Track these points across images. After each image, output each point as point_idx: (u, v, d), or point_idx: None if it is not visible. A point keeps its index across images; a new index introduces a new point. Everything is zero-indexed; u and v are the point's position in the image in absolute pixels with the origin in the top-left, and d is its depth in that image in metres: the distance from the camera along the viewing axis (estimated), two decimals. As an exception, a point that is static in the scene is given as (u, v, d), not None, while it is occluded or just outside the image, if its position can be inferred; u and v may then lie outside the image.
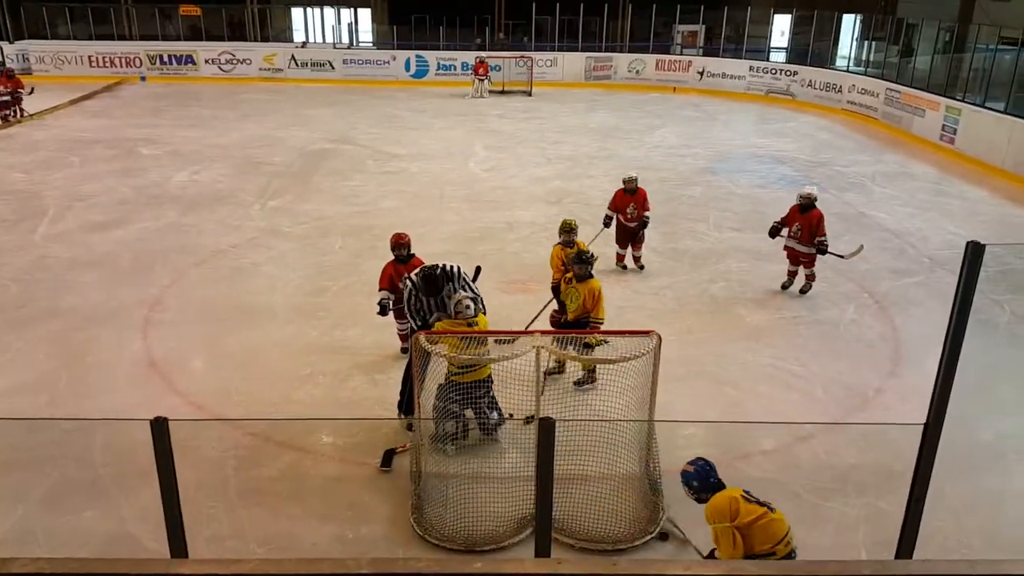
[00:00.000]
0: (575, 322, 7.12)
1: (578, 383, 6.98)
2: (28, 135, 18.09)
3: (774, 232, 9.46)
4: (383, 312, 7.23)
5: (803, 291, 9.45)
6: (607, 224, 10.10)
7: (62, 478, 5.84)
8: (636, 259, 10.18)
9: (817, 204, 9.32)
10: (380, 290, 7.31)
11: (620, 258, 10.22)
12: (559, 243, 7.91)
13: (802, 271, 9.44)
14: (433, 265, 6.39)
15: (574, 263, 7.11)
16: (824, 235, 9.18)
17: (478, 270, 7.01)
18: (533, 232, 11.58)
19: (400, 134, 18.75)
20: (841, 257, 9.50)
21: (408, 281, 6.42)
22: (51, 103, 21.21)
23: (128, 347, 7.96)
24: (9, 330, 8.26)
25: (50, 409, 6.79)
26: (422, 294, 6.35)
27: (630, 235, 10.05)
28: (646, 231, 10.05)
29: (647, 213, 9.98)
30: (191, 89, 25.30)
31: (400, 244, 7.37)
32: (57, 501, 5.60)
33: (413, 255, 7.39)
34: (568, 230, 7.86)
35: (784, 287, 9.55)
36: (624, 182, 10.08)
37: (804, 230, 9.19)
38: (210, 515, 5.46)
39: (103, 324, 8.45)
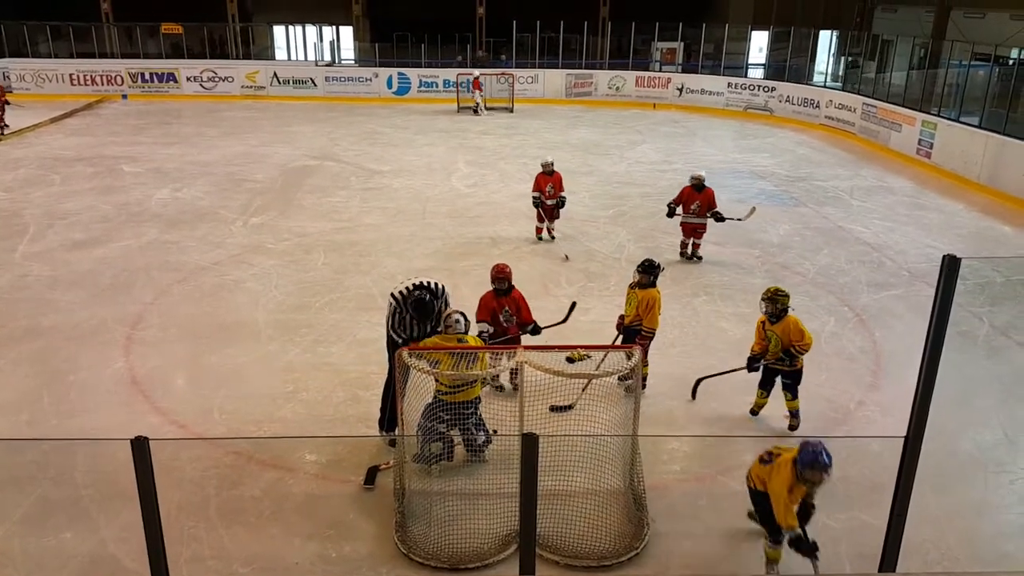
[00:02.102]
0: (629, 328, 7.29)
1: (622, 378, 7.05)
2: (8, 153, 17.96)
3: (671, 213, 11.00)
4: None
5: (699, 257, 11.08)
6: (536, 204, 11.73)
7: (42, 498, 5.77)
8: (550, 231, 11.97)
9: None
10: (478, 322, 7.04)
11: (539, 231, 12.00)
12: (764, 313, 6.79)
13: (692, 241, 11.08)
14: (422, 288, 6.19)
15: (639, 270, 7.27)
16: (716, 206, 10.90)
17: (573, 306, 7.40)
18: (517, 247, 11.61)
19: (382, 150, 18.77)
20: (740, 220, 11.08)
21: (395, 298, 6.31)
22: (32, 121, 21.09)
23: (110, 366, 7.89)
24: (-12, 350, 8.18)
25: (31, 428, 6.72)
26: (408, 315, 6.27)
27: (549, 211, 11.78)
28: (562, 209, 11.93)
29: (563, 193, 11.76)
30: (173, 107, 25.22)
31: (500, 276, 7.08)
32: (37, 522, 5.53)
33: (513, 287, 7.16)
34: (771, 298, 6.66)
35: (684, 256, 11.12)
36: (543, 166, 11.80)
37: (703, 206, 10.87)
38: (191, 535, 5.42)
39: (85, 342, 8.38)
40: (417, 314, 6.17)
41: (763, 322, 6.77)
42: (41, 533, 5.42)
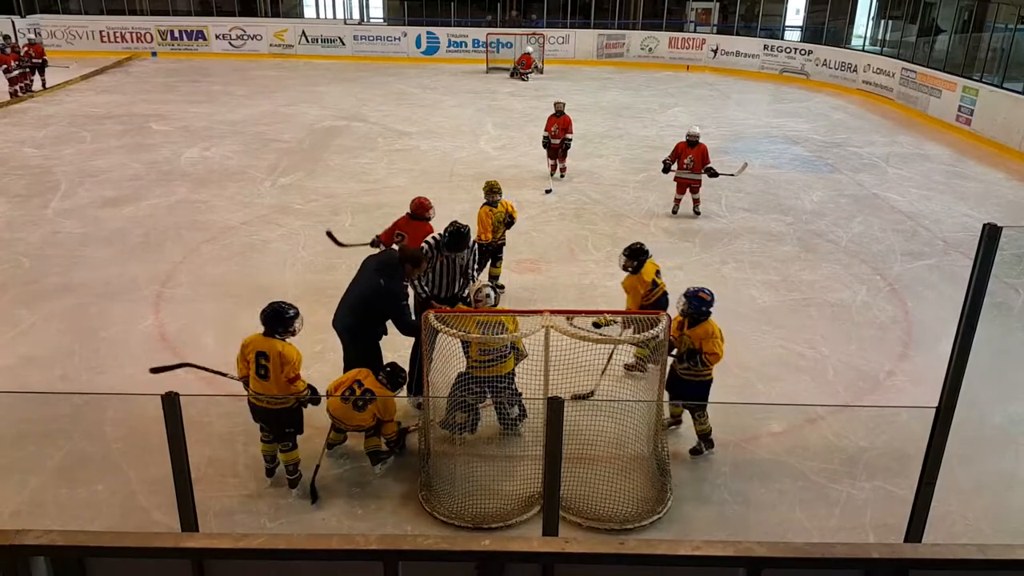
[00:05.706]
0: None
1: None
2: (40, 110, 18.10)
3: (666, 168, 11.20)
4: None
5: (697, 213, 11.31)
6: (546, 144, 12.89)
7: (74, 451, 5.89)
8: (562, 170, 13.09)
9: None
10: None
11: (553, 168, 13.08)
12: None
13: (689, 196, 11.25)
14: (461, 224, 6.74)
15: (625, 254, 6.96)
16: (710, 162, 11.04)
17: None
18: (543, 211, 11.53)
19: (410, 111, 18.67)
20: (732, 176, 11.31)
21: (427, 243, 6.68)
22: (63, 78, 21.23)
23: (140, 322, 7.99)
24: (22, 304, 8.31)
25: (63, 383, 6.84)
26: (443, 251, 6.61)
27: (556, 151, 12.85)
28: (569, 150, 13.01)
29: (569, 135, 12.75)
30: (202, 65, 25.23)
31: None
32: (70, 474, 5.65)
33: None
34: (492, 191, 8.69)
35: (674, 212, 11.39)
36: (555, 105, 12.78)
37: (697, 161, 11.00)
38: (220, 490, 5.50)
39: (115, 299, 8.49)
40: (453, 241, 6.60)
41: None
42: (74, 484, 5.54)
